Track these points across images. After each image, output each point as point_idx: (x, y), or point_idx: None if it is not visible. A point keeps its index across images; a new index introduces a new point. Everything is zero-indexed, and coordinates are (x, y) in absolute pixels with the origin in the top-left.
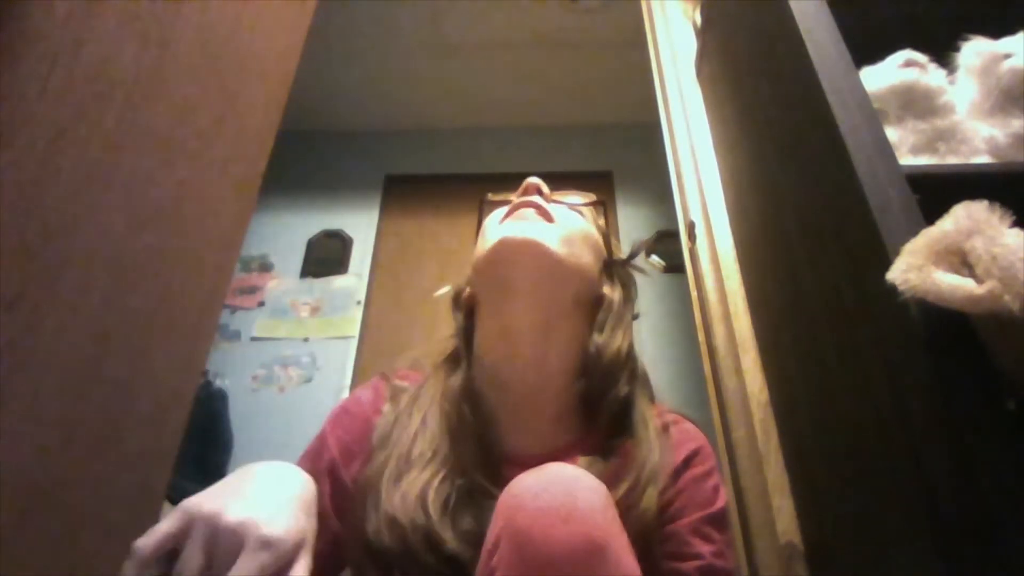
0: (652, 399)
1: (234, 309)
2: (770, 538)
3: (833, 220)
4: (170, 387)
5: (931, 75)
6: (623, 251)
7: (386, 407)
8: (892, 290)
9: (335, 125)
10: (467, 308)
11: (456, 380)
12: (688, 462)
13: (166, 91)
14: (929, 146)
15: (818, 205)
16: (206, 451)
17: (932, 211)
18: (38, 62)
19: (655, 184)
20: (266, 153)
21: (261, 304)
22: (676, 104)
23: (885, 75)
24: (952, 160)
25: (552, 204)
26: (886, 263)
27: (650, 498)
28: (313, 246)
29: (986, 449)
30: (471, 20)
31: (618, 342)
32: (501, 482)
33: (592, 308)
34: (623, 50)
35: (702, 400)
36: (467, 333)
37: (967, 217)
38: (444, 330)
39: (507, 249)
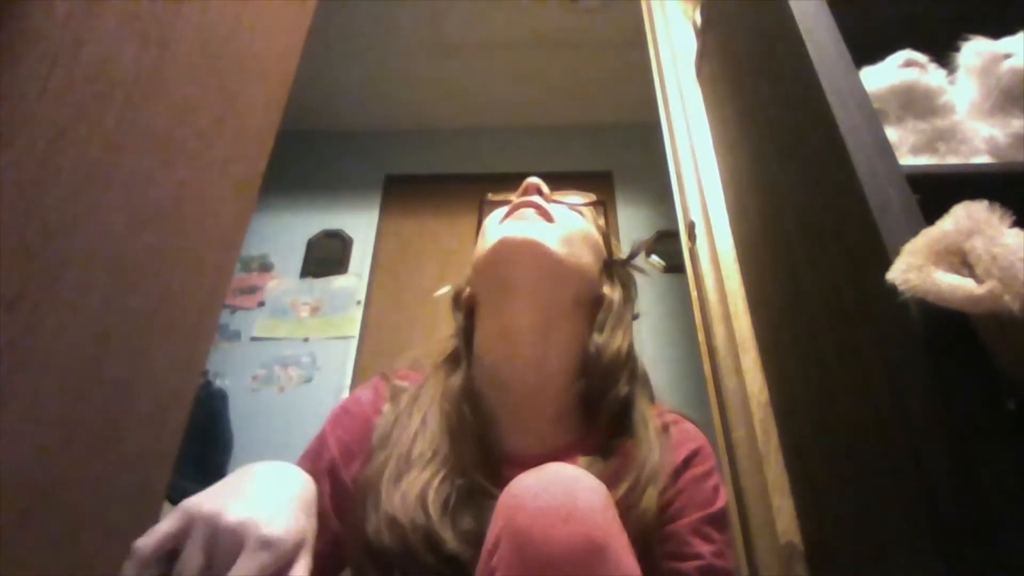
0: (652, 399)
1: (234, 309)
2: (770, 538)
3: (833, 220)
4: (170, 387)
5: (931, 75)
6: (623, 251)
7: (386, 407)
8: (892, 290)
9: (335, 125)
10: (467, 308)
11: (456, 380)
12: (688, 462)
13: (166, 91)
14: (929, 146)
15: (818, 205)
16: (206, 451)
17: (932, 211)
18: (38, 62)
19: (655, 184)
20: (266, 153)
21: (261, 304)
22: (676, 104)
23: (885, 75)
24: (952, 160)
25: (552, 204)
26: (886, 263)
27: (650, 498)
28: (313, 246)
29: (986, 449)
30: (471, 20)
31: (618, 342)
32: (501, 482)
33: (592, 308)
34: (623, 50)
35: (702, 400)
36: (467, 333)
37: (967, 217)
38: (444, 330)
39: (507, 249)
